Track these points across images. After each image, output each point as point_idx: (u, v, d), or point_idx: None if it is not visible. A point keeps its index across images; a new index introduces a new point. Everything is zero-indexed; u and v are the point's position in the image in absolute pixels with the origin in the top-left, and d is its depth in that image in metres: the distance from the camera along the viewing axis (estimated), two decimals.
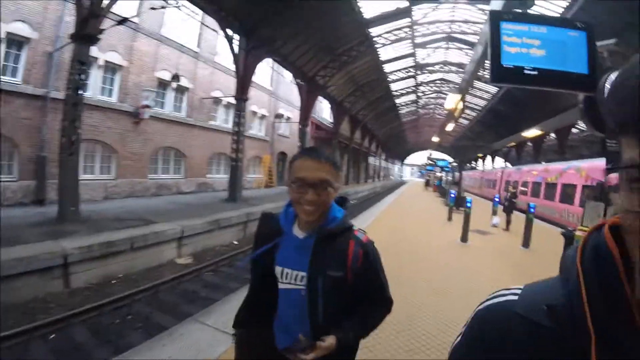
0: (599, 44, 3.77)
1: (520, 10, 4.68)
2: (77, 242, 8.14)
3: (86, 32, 10.05)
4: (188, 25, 18.54)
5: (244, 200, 17.16)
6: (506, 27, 3.47)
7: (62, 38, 12.45)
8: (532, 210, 10.42)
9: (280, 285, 1.63)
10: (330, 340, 1.45)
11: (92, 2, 9.93)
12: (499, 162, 45.39)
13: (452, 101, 11.63)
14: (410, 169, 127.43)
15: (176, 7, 13.43)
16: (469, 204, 10.70)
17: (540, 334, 0.56)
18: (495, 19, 3.49)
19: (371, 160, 63.02)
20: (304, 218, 1.57)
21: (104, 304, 7.03)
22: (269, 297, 1.66)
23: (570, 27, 3.54)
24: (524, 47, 3.47)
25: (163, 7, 13.47)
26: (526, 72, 3.42)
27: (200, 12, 17.06)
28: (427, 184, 46.71)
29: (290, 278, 1.60)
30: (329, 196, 1.54)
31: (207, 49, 20.70)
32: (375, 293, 1.68)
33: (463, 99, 12.20)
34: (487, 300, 0.67)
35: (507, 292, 0.65)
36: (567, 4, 15.58)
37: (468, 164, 59.77)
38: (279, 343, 1.61)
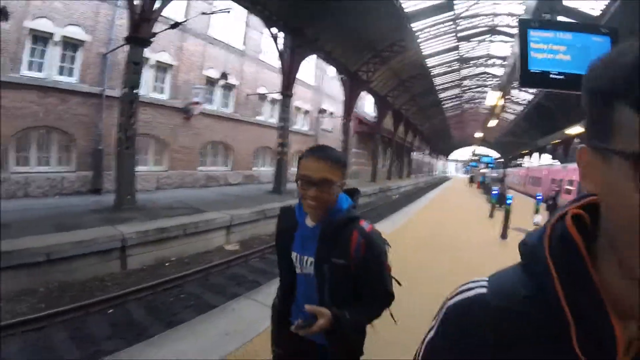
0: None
1: (548, 16, 4.83)
2: (134, 228, 8.82)
3: (139, 36, 10.70)
4: (234, 25, 19.16)
5: (289, 192, 17.56)
6: (533, 34, 3.68)
7: (115, 40, 13.33)
8: None
9: (297, 270, 1.80)
10: (324, 311, 1.54)
11: (144, 8, 10.54)
12: (546, 159, 44.03)
13: (492, 98, 11.63)
14: (454, 164, 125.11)
15: (226, 12, 13.93)
16: (509, 201, 10.74)
17: (516, 321, 0.57)
18: (524, 26, 3.73)
19: (414, 155, 62.44)
20: (308, 211, 1.71)
21: (158, 283, 7.59)
22: (292, 283, 1.85)
23: (595, 32, 3.71)
24: (550, 53, 3.68)
25: (213, 13, 14.04)
26: (552, 76, 3.63)
27: (245, 12, 17.73)
28: (471, 180, 45.83)
29: (303, 263, 1.75)
30: (331, 194, 1.64)
31: (252, 47, 21.28)
32: (376, 284, 1.72)
33: (504, 96, 12.14)
34: (456, 295, 0.67)
35: (473, 285, 0.66)
36: (604, 5, 15.19)
37: (513, 161, 58.28)
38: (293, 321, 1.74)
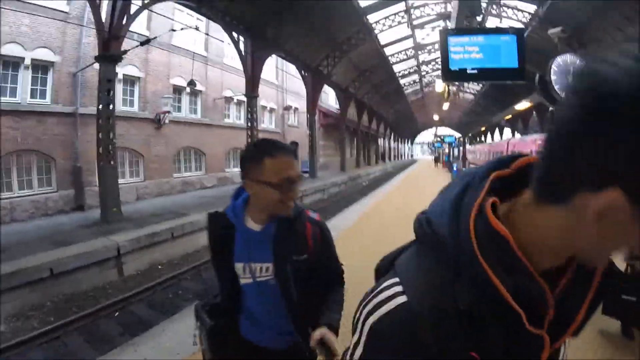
0: (550, 31, 4.90)
1: (471, 18, 5.83)
2: (125, 236, 9.39)
3: (109, 53, 11.03)
4: (195, 33, 19.66)
5: None
6: (452, 40, 4.64)
7: (83, 58, 13.61)
8: None
9: (243, 281, 1.61)
10: (329, 336, 1.41)
11: (112, 25, 10.87)
12: (507, 133, 45.69)
13: (440, 86, 12.74)
14: (420, 147, 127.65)
15: (194, 28, 14.40)
16: None
17: (464, 326, 0.54)
18: (444, 34, 4.67)
19: (380, 142, 63.68)
20: (282, 214, 1.53)
21: (157, 283, 8.20)
22: (236, 295, 1.67)
23: (503, 33, 4.70)
24: (466, 54, 4.64)
25: (182, 29, 14.44)
26: (469, 72, 4.59)
27: (204, 19, 18.29)
28: (436, 160, 47.28)
29: (255, 272, 1.57)
30: None
31: (215, 52, 21.72)
32: (334, 267, 1.70)
33: (448, 84, 13.29)
34: (375, 306, 0.61)
35: (389, 292, 0.60)
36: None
37: (476, 138, 60.18)
38: (250, 335, 1.68)
